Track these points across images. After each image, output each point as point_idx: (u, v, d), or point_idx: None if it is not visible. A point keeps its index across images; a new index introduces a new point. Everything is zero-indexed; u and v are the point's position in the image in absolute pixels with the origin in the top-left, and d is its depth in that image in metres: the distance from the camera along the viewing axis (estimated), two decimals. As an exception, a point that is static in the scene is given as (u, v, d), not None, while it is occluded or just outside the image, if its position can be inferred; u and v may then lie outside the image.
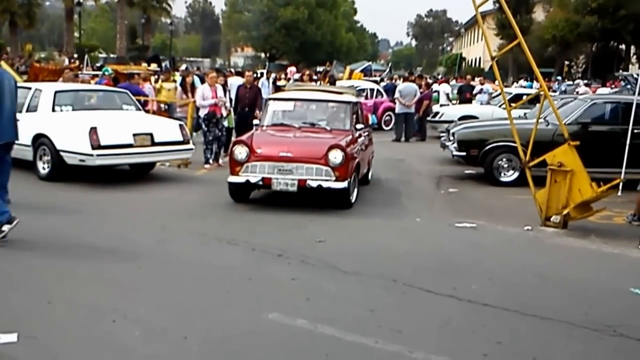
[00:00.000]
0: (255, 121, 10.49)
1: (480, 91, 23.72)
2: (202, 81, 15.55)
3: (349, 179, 9.02)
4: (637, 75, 13.22)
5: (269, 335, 4.87)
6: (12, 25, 46.09)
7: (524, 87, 31.42)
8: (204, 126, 12.54)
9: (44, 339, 4.71)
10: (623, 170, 10.41)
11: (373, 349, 4.68)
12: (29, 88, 11.60)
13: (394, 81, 28.45)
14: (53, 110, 10.94)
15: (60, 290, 5.71)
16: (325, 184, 8.86)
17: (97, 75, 20.86)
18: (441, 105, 22.84)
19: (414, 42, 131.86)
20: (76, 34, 51.69)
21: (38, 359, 4.44)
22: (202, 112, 12.54)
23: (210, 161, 12.56)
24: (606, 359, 4.75)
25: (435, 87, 25.89)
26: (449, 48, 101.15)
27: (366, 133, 11.18)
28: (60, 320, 5.06)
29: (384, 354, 4.62)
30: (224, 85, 13.68)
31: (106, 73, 19.06)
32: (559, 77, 37.84)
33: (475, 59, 75.36)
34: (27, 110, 11.07)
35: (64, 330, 4.88)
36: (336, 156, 8.85)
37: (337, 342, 4.77)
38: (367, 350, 4.66)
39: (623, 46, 52.17)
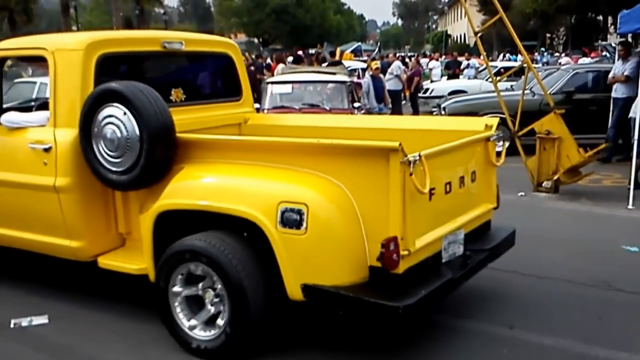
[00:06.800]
0: (256, 105, 10.63)
1: (467, 66, 24.04)
2: None
3: None
4: (616, 45, 13.52)
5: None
6: (11, 22, 45.62)
7: (509, 60, 31.71)
8: None
9: (73, 319, 4.93)
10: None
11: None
12: (34, 82, 11.65)
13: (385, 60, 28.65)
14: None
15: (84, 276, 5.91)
16: None
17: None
18: (431, 82, 23.18)
19: (400, 22, 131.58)
20: (74, 28, 51.40)
21: (70, 338, 4.65)
22: None
23: None
24: (603, 311, 4.98)
25: (431, 64, 26.46)
26: (434, 26, 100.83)
27: (362, 111, 11.40)
28: (87, 302, 5.23)
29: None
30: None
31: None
32: (543, 49, 37.95)
33: (460, 36, 75.34)
34: (35, 105, 11.16)
35: (91, 311, 5.07)
36: None
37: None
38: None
39: (600, 17, 52.12)
